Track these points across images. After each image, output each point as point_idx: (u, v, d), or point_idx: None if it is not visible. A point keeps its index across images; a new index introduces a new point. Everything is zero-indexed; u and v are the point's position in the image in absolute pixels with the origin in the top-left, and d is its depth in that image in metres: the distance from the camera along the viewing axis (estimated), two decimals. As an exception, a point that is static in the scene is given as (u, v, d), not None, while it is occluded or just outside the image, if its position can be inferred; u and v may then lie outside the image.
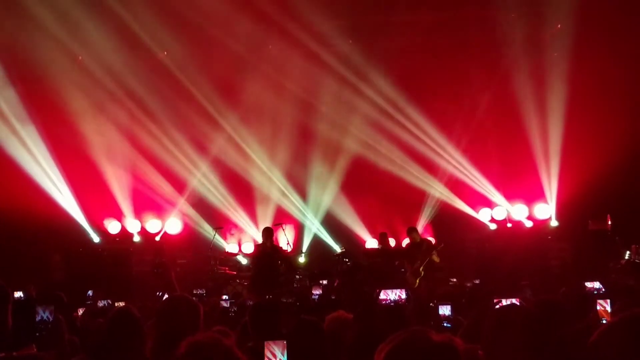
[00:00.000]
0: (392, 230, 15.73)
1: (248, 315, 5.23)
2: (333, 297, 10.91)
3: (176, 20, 14.07)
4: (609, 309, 5.53)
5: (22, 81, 14.42)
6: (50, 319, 5.08)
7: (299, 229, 16.52)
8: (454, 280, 13.87)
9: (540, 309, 4.58)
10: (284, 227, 15.10)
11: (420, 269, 12.84)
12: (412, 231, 13.61)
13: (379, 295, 5.89)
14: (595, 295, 6.94)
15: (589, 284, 8.01)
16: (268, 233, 12.60)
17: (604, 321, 5.48)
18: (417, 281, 12.79)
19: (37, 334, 4.88)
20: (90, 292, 10.12)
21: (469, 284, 13.06)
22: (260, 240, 12.92)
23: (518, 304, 5.13)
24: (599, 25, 13.57)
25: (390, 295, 6.06)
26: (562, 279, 12.61)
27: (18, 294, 9.06)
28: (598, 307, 5.58)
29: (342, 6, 14.32)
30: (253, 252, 13.35)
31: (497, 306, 5.63)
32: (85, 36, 14.34)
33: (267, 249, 12.47)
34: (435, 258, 12.85)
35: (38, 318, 4.97)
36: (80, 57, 15.12)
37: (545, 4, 14.34)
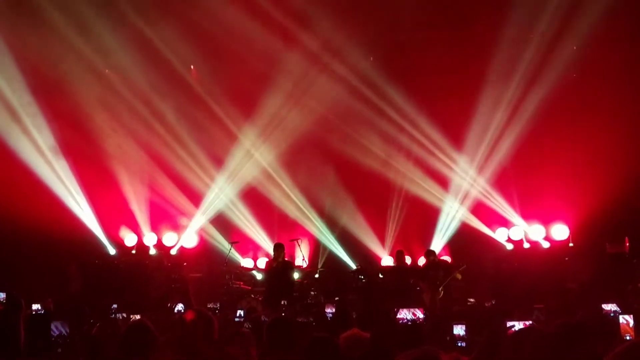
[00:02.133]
0: (408, 248, 15.68)
1: (265, 331, 5.23)
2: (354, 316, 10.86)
3: (197, 35, 14.21)
4: (632, 323, 5.50)
5: (44, 95, 14.57)
6: (66, 333, 5.12)
7: (315, 245, 16.50)
8: (472, 300, 13.80)
9: (560, 331, 4.54)
10: (299, 243, 15.11)
11: (440, 289, 12.91)
12: (430, 253, 13.90)
13: (397, 313, 5.88)
14: (612, 318, 6.89)
15: (606, 306, 7.94)
16: (279, 249, 12.65)
17: (628, 337, 5.44)
18: (436, 299, 12.83)
19: (53, 348, 4.93)
20: (114, 306, 10.20)
21: (487, 304, 13.01)
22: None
23: (532, 326, 5.10)
24: (616, 45, 13.52)
25: (408, 314, 6.05)
26: (580, 300, 12.50)
27: (36, 307, 9.11)
28: (621, 322, 5.54)
29: (362, 23, 14.38)
30: (265, 268, 13.37)
31: (509, 327, 5.60)
32: (108, 52, 14.51)
33: (279, 264, 12.51)
34: (458, 276, 13.12)
35: (56, 332, 5.01)
36: (107, 71, 15.32)
37: (562, 24, 14.28)
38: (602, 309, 8.13)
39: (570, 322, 5.11)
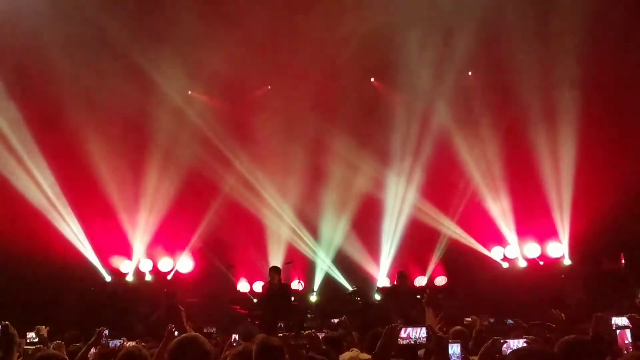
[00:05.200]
0: (404, 269, 15.66)
1: (254, 353, 5.15)
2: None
3: (189, 61, 14.29)
4: (629, 339, 5.49)
5: (37, 121, 14.57)
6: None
7: (310, 268, 16.45)
8: (469, 319, 13.76)
9: (565, 350, 4.52)
10: (294, 266, 15.05)
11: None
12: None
13: (399, 333, 5.83)
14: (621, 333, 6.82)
15: (615, 320, 7.80)
16: (275, 272, 12.56)
17: (625, 352, 5.44)
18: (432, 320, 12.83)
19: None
20: (106, 332, 10.13)
21: (485, 323, 12.96)
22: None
23: (533, 347, 5.07)
24: (610, 68, 13.64)
25: (412, 333, 5.99)
26: (577, 317, 12.48)
27: (30, 335, 9.02)
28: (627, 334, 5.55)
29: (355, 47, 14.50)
30: (262, 292, 13.29)
31: (503, 343, 5.57)
32: (101, 77, 14.53)
33: (275, 287, 12.42)
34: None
35: None
36: (100, 97, 15.35)
37: (555, 47, 14.38)
38: (611, 324, 8.02)
39: (572, 339, 5.08)
